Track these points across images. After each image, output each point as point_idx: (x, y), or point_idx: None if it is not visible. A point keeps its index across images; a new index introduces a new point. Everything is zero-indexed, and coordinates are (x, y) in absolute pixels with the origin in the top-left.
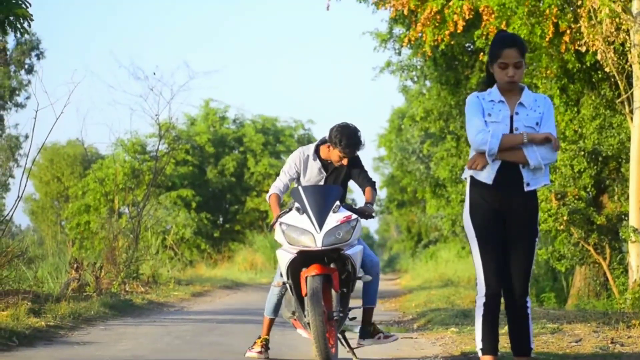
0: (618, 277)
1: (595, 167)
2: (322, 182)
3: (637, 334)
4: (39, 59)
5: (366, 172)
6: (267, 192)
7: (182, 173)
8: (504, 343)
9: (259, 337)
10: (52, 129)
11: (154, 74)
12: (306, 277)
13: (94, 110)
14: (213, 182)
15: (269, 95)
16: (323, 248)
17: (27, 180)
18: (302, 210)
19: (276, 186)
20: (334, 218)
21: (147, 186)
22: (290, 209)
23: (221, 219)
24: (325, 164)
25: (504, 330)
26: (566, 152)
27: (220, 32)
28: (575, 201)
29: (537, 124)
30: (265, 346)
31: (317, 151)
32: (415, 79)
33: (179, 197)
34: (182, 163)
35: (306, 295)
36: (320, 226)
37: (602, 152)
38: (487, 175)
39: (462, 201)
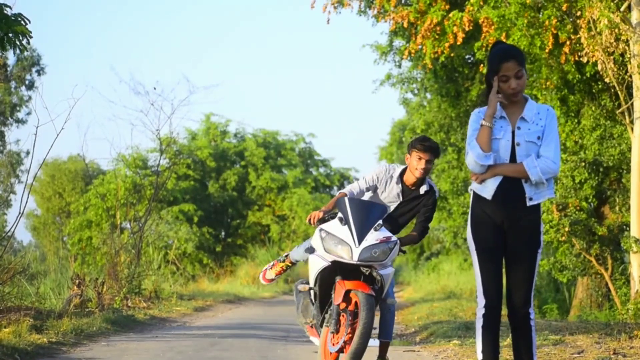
0: (620, 287)
1: (596, 177)
2: (394, 206)
3: None
4: (39, 74)
5: (429, 219)
6: (268, 205)
7: (184, 188)
8: (507, 355)
9: (283, 261)
10: (53, 145)
11: (155, 88)
12: (353, 292)
13: (94, 125)
14: (215, 196)
15: (270, 109)
16: (358, 262)
17: (28, 196)
18: (344, 221)
19: (350, 189)
20: (374, 236)
21: (148, 201)
22: (334, 217)
23: (223, 234)
24: (405, 191)
25: (506, 342)
26: (567, 163)
27: (220, 47)
28: (577, 212)
29: (538, 138)
30: (285, 270)
31: (401, 175)
32: (416, 92)
33: (181, 211)
34: (184, 178)
35: (344, 307)
36: (360, 240)
37: (603, 162)
38: (487, 191)
39: (465, 213)
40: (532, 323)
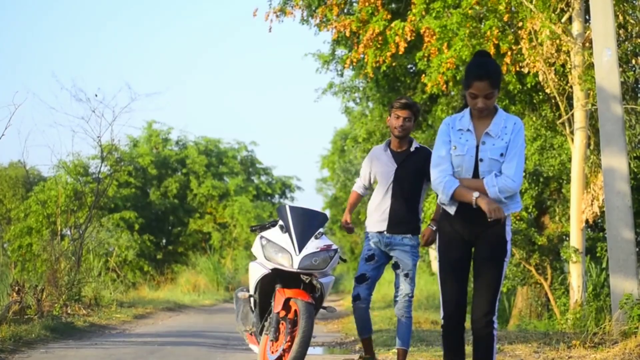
0: (559, 297)
1: (536, 187)
2: (392, 174)
3: (578, 354)
4: None
5: None
6: (210, 213)
7: (125, 195)
8: None
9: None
10: None
11: (96, 95)
12: (293, 300)
13: (35, 132)
14: (156, 203)
15: (212, 116)
16: (298, 270)
17: None
18: (285, 229)
19: (358, 185)
20: (315, 244)
21: (89, 208)
22: (275, 225)
23: (164, 241)
24: (396, 154)
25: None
26: None
27: (162, 54)
28: (517, 222)
29: (501, 155)
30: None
31: (388, 143)
32: (358, 101)
33: (122, 219)
34: (125, 185)
35: (283, 315)
36: (300, 248)
37: (543, 172)
38: (450, 207)
39: None
40: (494, 332)
